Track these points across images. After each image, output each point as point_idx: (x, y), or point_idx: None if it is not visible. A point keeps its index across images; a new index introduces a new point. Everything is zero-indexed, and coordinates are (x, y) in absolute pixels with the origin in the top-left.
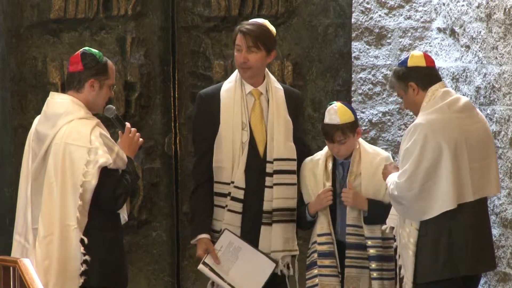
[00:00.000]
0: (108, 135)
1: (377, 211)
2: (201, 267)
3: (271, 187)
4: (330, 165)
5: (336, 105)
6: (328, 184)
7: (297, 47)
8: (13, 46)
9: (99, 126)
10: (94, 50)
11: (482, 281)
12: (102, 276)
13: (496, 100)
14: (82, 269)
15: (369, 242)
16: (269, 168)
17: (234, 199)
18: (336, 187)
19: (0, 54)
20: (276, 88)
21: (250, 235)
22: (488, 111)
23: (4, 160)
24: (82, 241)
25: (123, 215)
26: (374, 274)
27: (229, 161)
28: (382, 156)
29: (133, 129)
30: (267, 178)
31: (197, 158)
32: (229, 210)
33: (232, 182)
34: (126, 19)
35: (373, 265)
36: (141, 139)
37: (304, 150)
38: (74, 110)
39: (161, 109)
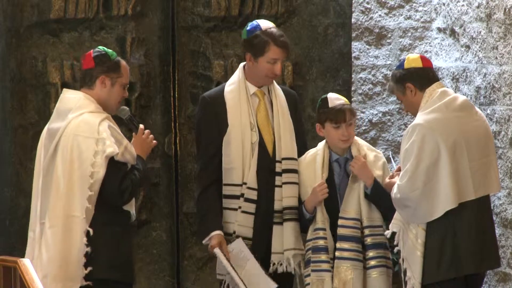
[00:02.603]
0: (118, 129)
1: (379, 190)
2: (217, 250)
3: (280, 186)
4: (327, 160)
5: (332, 93)
6: (325, 175)
7: (297, 47)
8: (13, 46)
9: (108, 120)
10: (108, 49)
11: None
12: (109, 268)
13: (496, 100)
14: (85, 260)
15: (367, 231)
16: (278, 167)
17: (248, 200)
18: (335, 182)
19: (0, 54)
20: (277, 88)
21: (261, 235)
22: (488, 111)
23: (4, 160)
24: (87, 232)
25: (132, 212)
26: (372, 263)
27: (239, 162)
28: (377, 154)
29: (146, 130)
30: (277, 178)
31: (205, 161)
32: (242, 212)
33: (245, 183)
34: (126, 19)
35: (371, 253)
36: (154, 141)
37: (303, 151)
38: (85, 104)
39: (161, 109)
